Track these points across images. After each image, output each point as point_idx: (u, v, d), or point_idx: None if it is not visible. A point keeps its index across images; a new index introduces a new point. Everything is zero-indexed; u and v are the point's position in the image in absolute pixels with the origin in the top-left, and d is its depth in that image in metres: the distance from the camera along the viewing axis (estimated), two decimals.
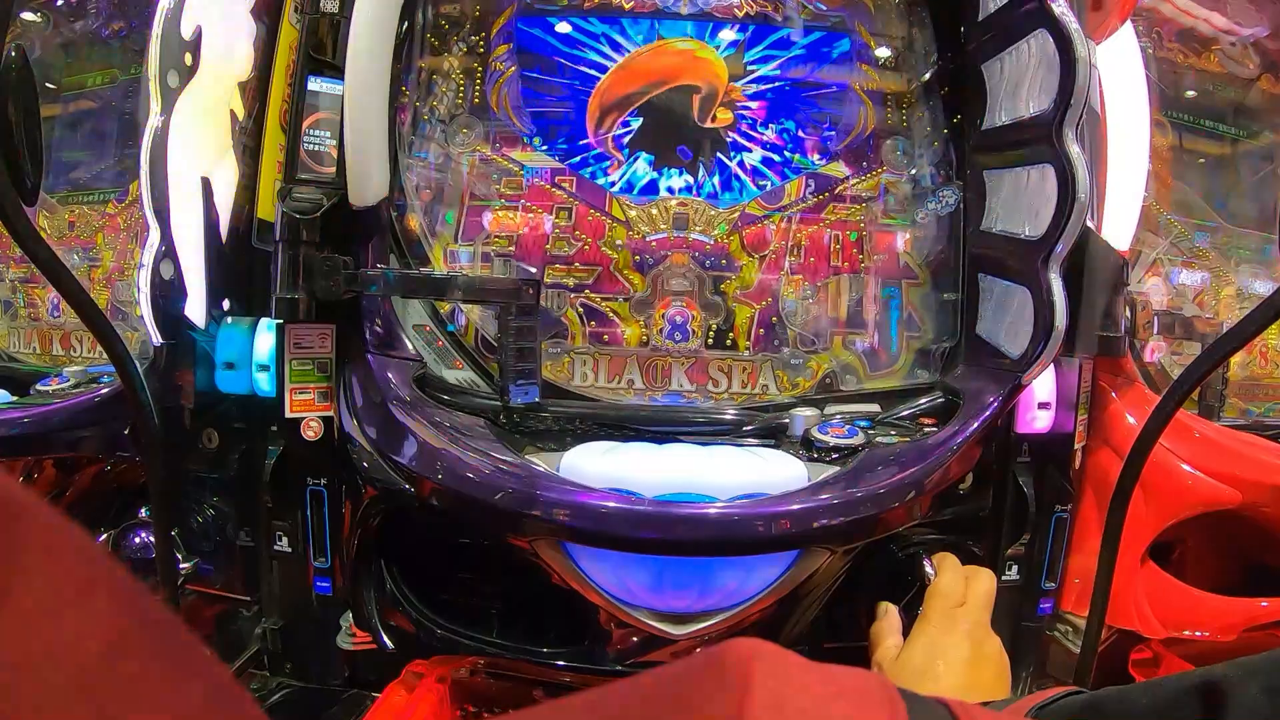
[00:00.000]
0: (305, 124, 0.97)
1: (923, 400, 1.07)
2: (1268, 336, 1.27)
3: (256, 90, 1.05)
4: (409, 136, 1.08)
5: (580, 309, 1.09)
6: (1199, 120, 1.26)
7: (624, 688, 0.31)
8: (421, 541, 0.99)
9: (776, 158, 1.11)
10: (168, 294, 0.94)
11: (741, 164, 1.10)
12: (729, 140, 1.10)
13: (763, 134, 1.11)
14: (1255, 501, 1.01)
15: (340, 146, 0.96)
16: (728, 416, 1.06)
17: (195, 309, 0.98)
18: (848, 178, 1.12)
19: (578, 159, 1.10)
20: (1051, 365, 0.97)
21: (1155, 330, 1.17)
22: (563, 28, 1.11)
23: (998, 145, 1.02)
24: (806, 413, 1.02)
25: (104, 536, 1.05)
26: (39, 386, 1.07)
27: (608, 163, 1.10)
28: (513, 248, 1.09)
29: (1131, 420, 1.04)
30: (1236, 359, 1.21)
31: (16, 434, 0.97)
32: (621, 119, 1.10)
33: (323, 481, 1.00)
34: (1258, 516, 1.04)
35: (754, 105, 1.11)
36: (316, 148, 0.97)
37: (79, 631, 0.22)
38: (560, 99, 1.11)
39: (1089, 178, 0.86)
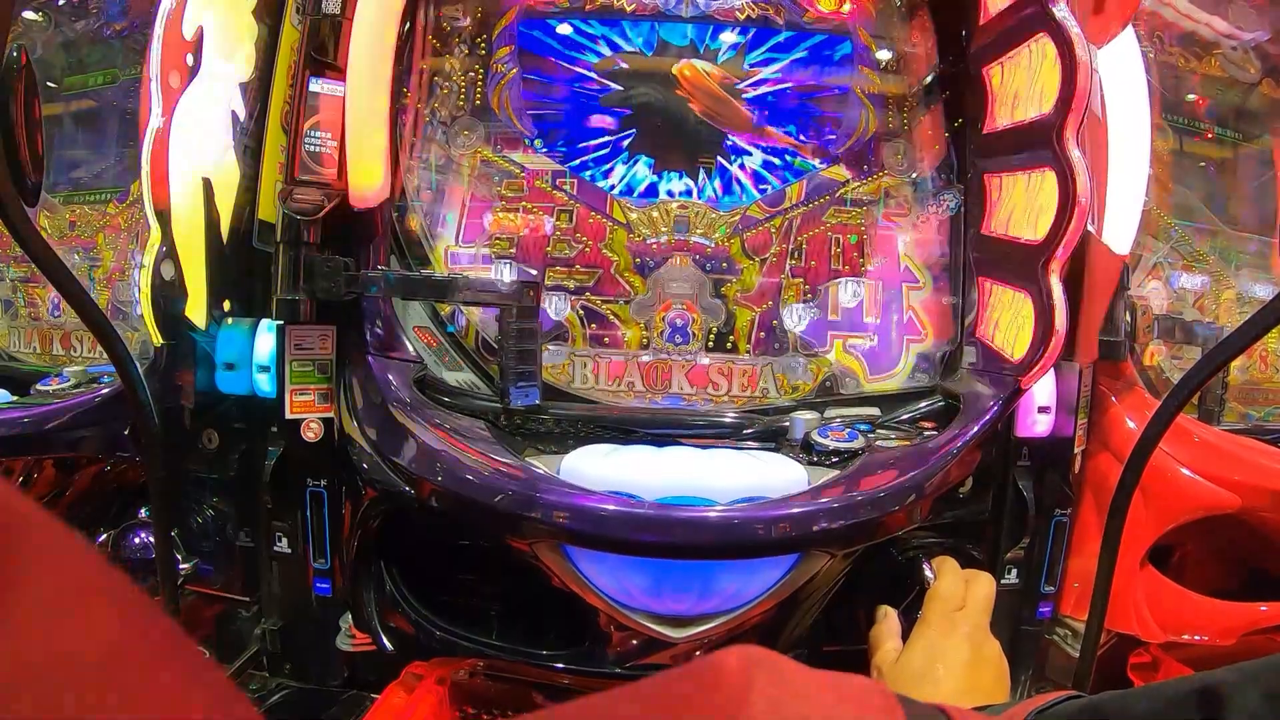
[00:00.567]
0: (306, 125, 0.97)
1: (923, 404, 1.07)
2: (1268, 341, 1.27)
3: (258, 91, 1.05)
4: (410, 138, 1.08)
5: (581, 311, 1.09)
6: (1199, 124, 1.26)
7: (622, 696, 0.31)
8: (421, 543, 0.99)
9: (777, 161, 1.11)
10: (168, 294, 0.94)
11: (742, 167, 1.10)
12: (730, 144, 1.10)
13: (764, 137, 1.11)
14: (1254, 506, 1.01)
15: (341, 148, 0.96)
16: (728, 419, 1.06)
17: (196, 309, 0.98)
18: (849, 181, 1.11)
19: (578, 161, 1.10)
20: (1051, 369, 0.97)
21: (1155, 334, 1.17)
22: (564, 30, 1.11)
23: (999, 149, 1.02)
24: (807, 416, 1.02)
25: (104, 536, 1.05)
26: (39, 386, 1.07)
27: (608, 165, 1.10)
28: (513, 250, 1.09)
29: (1131, 424, 1.04)
30: (1236, 363, 1.21)
31: (17, 434, 0.97)
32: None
33: (323, 482, 1.00)
34: (1257, 521, 1.04)
35: (755, 108, 1.11)
36: (318, 149, 0.97)
37: (78, 639, 0.22)
38: (561, 101, 1.11)
39: (1089, 182, 0.86)
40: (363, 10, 0.91)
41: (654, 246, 1.09)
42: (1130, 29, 1.03)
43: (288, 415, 0.98)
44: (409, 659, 0.98)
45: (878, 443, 0.97)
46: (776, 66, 1.11)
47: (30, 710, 0.20)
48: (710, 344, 1.09)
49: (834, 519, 0.81)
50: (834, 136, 1.12)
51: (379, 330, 1.00)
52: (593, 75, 1.11)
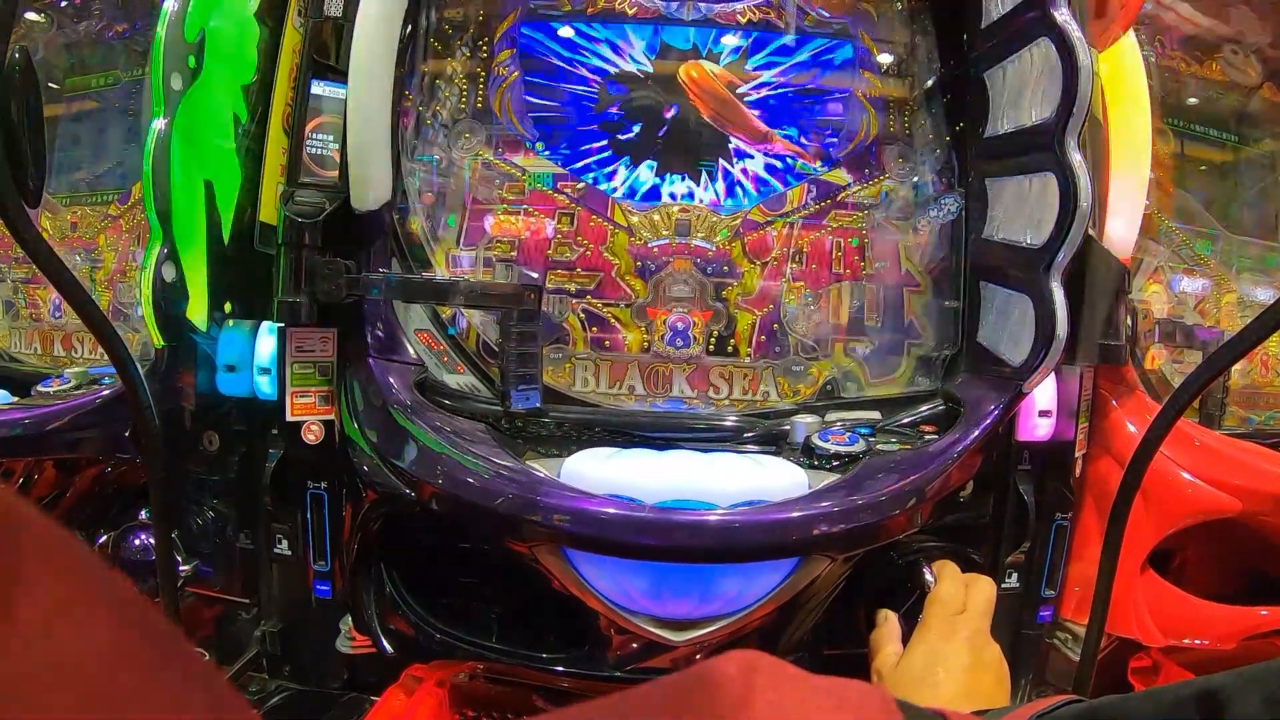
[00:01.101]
0: (308, 127, 0.97)
1: (924, 408, 1.07)
2: (1268, 345, 1.27)
3: (259, 93, 1.05)
4: (412, 140, 1.08)
5: (582, 314, 1.09)
6: (1198, 127, 1.26)
7: (621, 701, 0.31)
8: (421, 546, 0.99)
9: (779, 164, 1.11)
10: (169, 296, 0.94)
11: (744, 170, 1.11)
12: (733, 147, 1.10)
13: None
14: (1255, 510, 1.01)
15: (343, 150, 0.96)
16: (729, 423, 1.06)
17: (197, 311, 0.98)
18: (850, 184, 1.12)
19: (580, 164, 1.10)
20: (1052, 373, 0.97)
21: (1156, 338, 1.17)
22: (566, 33, 1.11)
23: (1000, 153, 1.02)
24: (807, 420, 1.02)
25: (104, 538, 1.05)
26: (40, 387, 1.06)
27: (610, 168, 1.10)
28: (515, 252, 1.09)
29: (1132, 428, 1.04)
30: (1237, 367, 1.21)
31: (17, 434, 0.97)
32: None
33: (323, 485, 1.00)
34: (1258, 525, 1.04)
35: (756, 112, 1.11)
36: (319, 151, 0.97)
37: (79, 644, 0.22)
38: (563, 104, 1.11)
39: (1090, 186, 0.86)
40: (365, 13, 0.92)
41: (655, 250, 1.09)
42: (1131, 32, 1.03)
43: (288, 417, 0.98)
44: (409, 661, 0.98)
45: (878, 446, 0.97)
46: (778, 70, 1.11)
47: (31, 714, 0.20)
48: (711, 347, 1.09)
49: (835, 523, 0.81)
50: (835, 140, 1.12)
51: (380, 333, 1.00)
52: (594, 78, 1.11)
